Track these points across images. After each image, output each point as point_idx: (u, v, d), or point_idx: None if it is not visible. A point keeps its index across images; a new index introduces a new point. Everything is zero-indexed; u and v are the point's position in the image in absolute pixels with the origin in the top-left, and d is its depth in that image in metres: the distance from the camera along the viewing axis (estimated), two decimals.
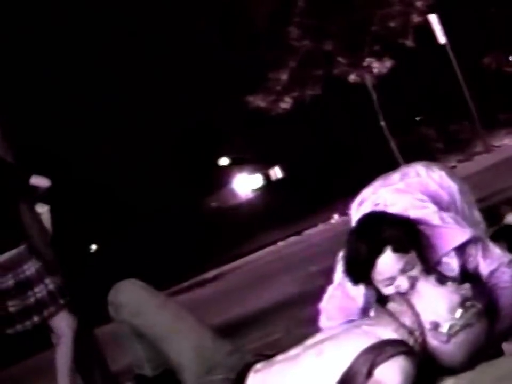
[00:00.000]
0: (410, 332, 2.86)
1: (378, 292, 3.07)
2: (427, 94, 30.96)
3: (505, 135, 25.43)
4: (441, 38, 23.85)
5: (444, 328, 2.85)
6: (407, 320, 2.88)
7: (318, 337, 3.00)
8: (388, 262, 2.93)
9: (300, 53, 25.69)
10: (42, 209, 5.31)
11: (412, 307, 2.91)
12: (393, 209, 3.28)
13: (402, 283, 2.95)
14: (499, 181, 10.49)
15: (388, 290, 3.00)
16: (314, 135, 34.26)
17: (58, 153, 32.39)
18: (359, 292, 3.17)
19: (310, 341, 2.99)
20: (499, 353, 2.94)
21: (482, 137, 24.65)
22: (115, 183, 34.79)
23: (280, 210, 28.73)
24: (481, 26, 28.51)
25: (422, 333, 2.87)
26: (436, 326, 2.86)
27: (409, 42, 25.35)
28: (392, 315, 2.91)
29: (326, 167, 32.77)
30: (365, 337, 2.81)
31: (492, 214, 3.76)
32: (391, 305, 2.96)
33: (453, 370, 2.89)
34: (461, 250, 3.10)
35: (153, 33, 33.81)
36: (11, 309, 4.93)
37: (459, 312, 2.84)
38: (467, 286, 2.92)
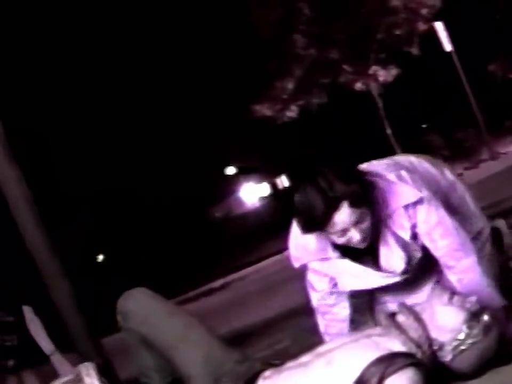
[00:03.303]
0: (418, 345, 2.87)
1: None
2: (433, 102, 30.95)
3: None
4: (447, 46, 23.86)
5: (449, 348, 2.86)
6: (414, 334, 2.89)
7: (328, 345, 3.01)
8: (343, 217, 2.99)
9: (305, 61, 25.73)
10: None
11: (419, 321, 2.92)
12: None
13: (354, 235, 3.05)
14: (506, 187, 10.48)
15: (340, 240, 3.10)
16: (320, 143, 34.27)
17: (65, 165, 32.48)
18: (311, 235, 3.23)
19: (320, 349, 2.99)
20: (510, 357, 2.93)
21: (489, 144, 24.63)
22: (122, 193, 34.82)
23: (288, 219, 28.68)
24: (487, 33, 28.52)
25: (430, 346, 2.88)
26: (441, 346, 2.87)
27: (414, 50, 25.38)
28: (399, 328, 2.92)
29: None
30: (374, 348, 2.82)
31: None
32: (399, 318, 2.98)
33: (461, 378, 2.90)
34: (411, 210, 3.17)
35: (159, 42, 33.88)
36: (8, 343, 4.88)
37: (463, 333, 2.85)
38: (473, 299, 2.92)
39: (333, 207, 2.97)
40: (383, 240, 3.20)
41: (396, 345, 2.84)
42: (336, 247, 3.22)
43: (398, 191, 3.18)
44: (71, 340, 5.30)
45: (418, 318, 2.93)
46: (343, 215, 2.99)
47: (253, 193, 42.78)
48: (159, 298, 3.29)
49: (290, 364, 3.00)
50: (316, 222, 3.03)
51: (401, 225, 3.19)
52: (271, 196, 42.14)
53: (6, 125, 5.77)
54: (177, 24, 33.28)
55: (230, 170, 42.76)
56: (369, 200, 3.09)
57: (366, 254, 3.23)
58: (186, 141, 36.31)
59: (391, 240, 3.20)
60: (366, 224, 3.07)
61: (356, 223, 3.04)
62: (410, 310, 2.98)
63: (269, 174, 41.70)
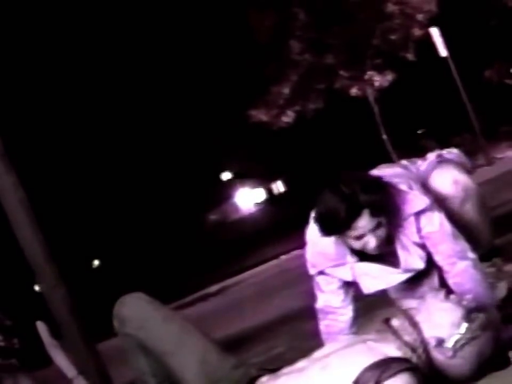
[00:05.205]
0: (413, 350, 2.88)
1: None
2: (429, 107, 30.98)
3: (507, 148, 25.40)
4: (443, 51, 23.86)
5: (449, 344, 2.86)
6: (409, 338, 2.91)
7: (324, 351, 3.02)
8: (363, 223, 3.20)
9: (301, 67, 25.73)
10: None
11: (414, 324, 2.94)
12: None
13: (371, 241, 3.25)
14: (502, 193, 10.49)
15: (356, 245, 3.30)
16: (316, 148, 34.29)
17: (64, 172, 32.48)
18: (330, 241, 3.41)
19: (316, 354, 3.00)
20: (506, 362, 2.94)
21: (484, 149, 24.62)
22: (118, 198, 34.81)
23: (283, 224, 28.74)
24: (483, 39, 28.55)
25: (425, 350, 2.89)
26: (440, 342, 2.88)
27: (410, 56, 25.40)
28: (395, 333, 2.94)
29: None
30: (370, 353, 2.82)
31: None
32: (394, 322, 2.99)
33: (458, 382, 2.90)
34: (418, 216, 3.36)
35: (157, 47, 33.92)
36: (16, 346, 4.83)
37: (464, 326, 2.86)
38: (469, 297, 2.97)
39: (355, 214, 3.16)
40: (399, 244, 3.38)
41: (391, 350, 2.84)
42: (354, 252, 3.39)
43: (409, 199, 3.35)
44: (66, 344, 5.29)
45: (413, 322, 2.94)
46: (363, 222, 3.19)
47: (248, 199, 42.79)
48: (156, 303, 3.29)
49: (286, 370, 3.01)
50: (337, 226, 3.23)
51: (412, 231, 3.36)
52: (266, 201, 42.16)
53: (3, 133, 5.79)
54: (174, 30, 33.31)
55: (226, 175, 42.77)
56: (387, 209, 3.27)
57: (383, 257, 3.39)
58: (182, 147, 36.33)
59: (407, 243, 3.37)
60: (382, 232, 3.26)
61: (373, 230, 3.22)
62: (406, 314, 3.00)
63: (264, 179, 41.73)
